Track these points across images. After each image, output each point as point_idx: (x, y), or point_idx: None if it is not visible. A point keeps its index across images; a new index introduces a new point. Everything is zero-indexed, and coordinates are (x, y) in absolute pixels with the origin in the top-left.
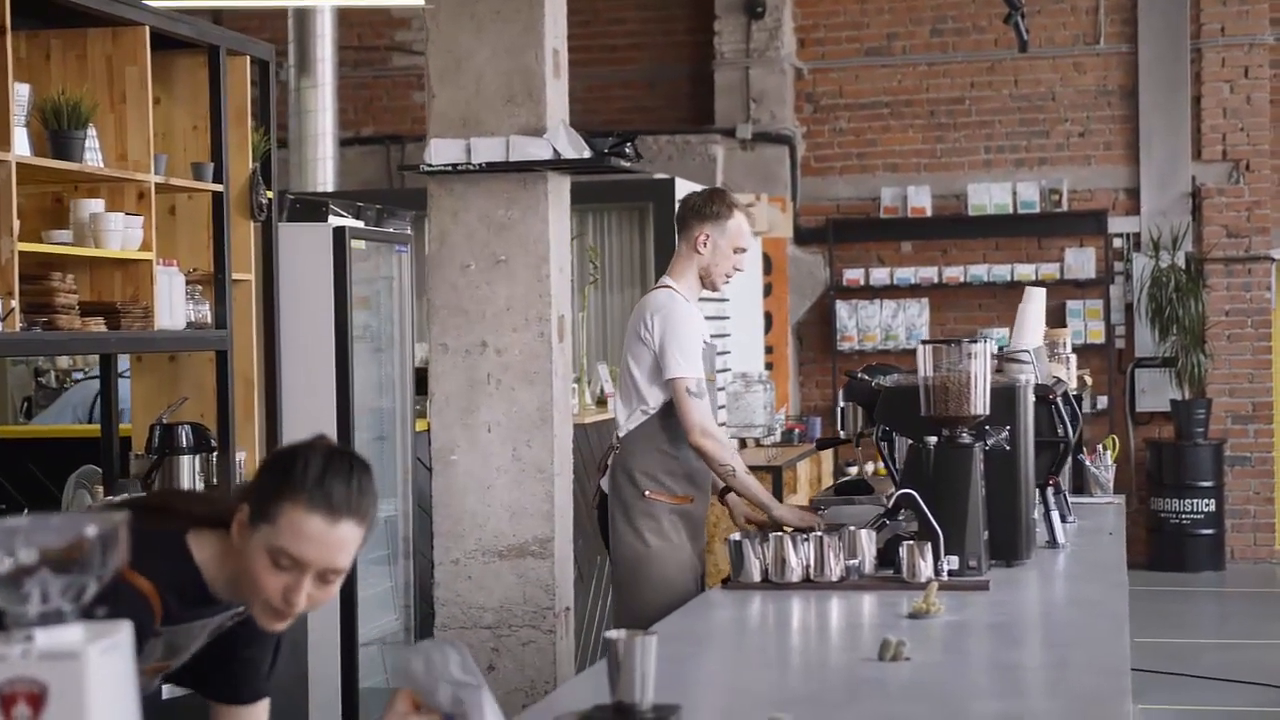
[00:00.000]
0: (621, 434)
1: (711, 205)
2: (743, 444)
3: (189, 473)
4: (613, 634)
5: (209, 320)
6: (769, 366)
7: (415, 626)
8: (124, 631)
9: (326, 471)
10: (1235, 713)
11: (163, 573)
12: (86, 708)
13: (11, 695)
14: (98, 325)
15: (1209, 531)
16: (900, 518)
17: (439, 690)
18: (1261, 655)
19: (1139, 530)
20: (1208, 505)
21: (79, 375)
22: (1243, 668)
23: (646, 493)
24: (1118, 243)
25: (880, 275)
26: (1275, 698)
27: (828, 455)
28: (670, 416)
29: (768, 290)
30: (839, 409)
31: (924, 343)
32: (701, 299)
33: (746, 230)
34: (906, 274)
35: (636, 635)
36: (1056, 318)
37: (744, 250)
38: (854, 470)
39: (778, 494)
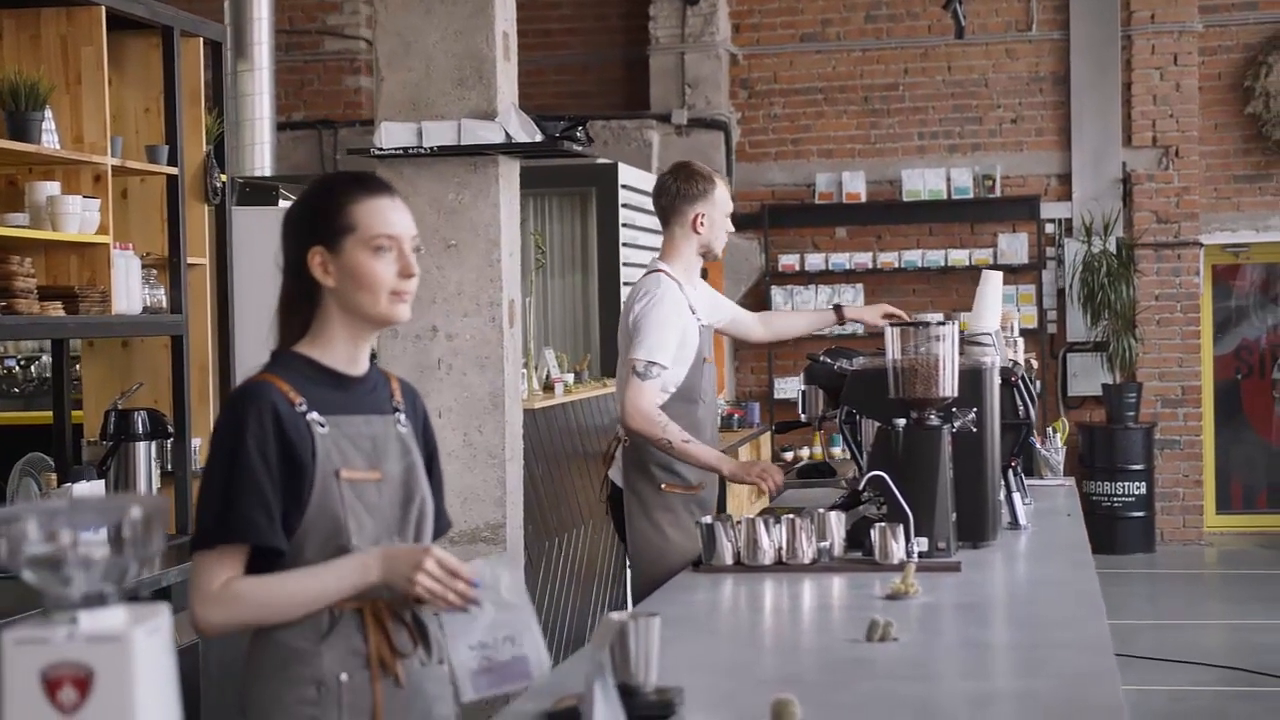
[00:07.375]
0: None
1: (697, 184)
2: None
3: (145, 459)
4: (616, 616)
5: (164, 305)
6: None
7: None
8: (163, 614)
9: (354, 176)
10: (1172, 691)
11: (276, 368)
12: (133, 690)
13: (57, 679)
14: (56, 310)
15: (1139, 514)
16: (866, 500)
17: (482, 614)
18: (1194, 636)
19: None
20: (1138, 488)
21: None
22: (1176, 648)
23: (663, 485)
24: (1050, 228)
25: (815, 261)
26: (1210, 676)
27: (766, 440)
28: (678, 405)
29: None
30: (800, 392)
31: (892, 325)
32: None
33: (727, 193)
34: (841, 259)
35: (640, 617)
36: None
37: (730, 211)
38: (789, 456)
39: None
